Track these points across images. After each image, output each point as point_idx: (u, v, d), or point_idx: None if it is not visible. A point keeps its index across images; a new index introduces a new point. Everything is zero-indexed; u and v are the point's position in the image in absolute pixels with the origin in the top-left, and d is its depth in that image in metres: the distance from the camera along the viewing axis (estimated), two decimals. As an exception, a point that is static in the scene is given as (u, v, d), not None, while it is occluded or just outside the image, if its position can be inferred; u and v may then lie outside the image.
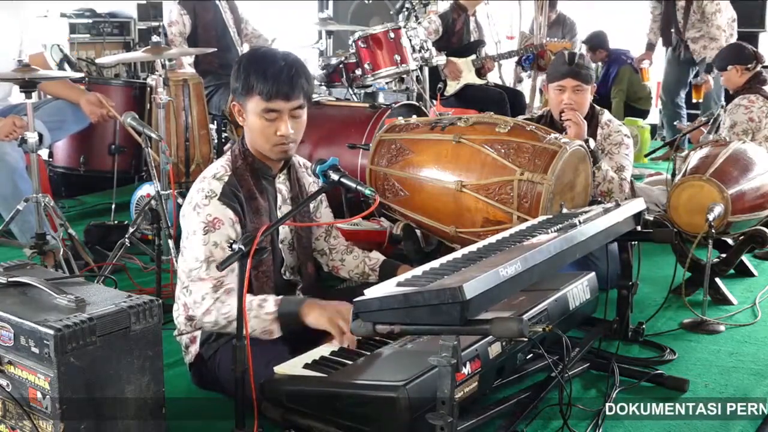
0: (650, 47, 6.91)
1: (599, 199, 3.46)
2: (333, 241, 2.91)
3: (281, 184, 2.66)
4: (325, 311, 2.33)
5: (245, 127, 2.55)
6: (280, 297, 2.40)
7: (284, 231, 2.65)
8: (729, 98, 4.94)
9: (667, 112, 6.89)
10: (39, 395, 1.84)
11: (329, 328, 2.30)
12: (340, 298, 2.47)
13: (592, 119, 3.63)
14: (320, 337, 2.46)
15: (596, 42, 7.47)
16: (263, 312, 2.34)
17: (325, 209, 2.88)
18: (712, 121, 4.38)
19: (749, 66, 4.75)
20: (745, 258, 3.74)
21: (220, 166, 2.55)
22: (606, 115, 3.71)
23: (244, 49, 5.58)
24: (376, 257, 2.87)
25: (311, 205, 2.77)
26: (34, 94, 3.46)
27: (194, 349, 2.52)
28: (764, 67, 4.82)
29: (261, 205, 2.54)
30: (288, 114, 2.47)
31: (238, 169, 2.53)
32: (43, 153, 4.60)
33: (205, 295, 2.37)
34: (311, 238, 2.81)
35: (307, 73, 2.51)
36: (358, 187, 2.40)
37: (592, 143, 3.36)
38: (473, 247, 2.28)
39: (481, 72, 6.06)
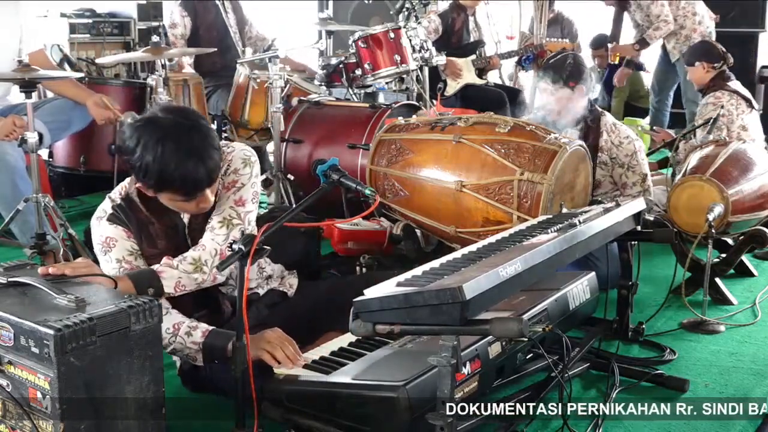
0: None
1: (599, 198, 3.46)
2: None
3: None
4: (253, 342, 2.19)
5: None
6: (212, 328, 2.31)
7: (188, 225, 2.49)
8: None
9: (652, 111, 6.90)
10: (39, 395, 1.84)
11: (260, 356, 2.20)
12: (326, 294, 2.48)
13: (592, 123, 3.61)
14: (318, 337, 2.46)
15: (598, 43, 7.46)
16: (189, 340, 2.28)
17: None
18: (711, 122, 4.39)
19: (715, 65, 4.86)
20: (745, 258, 3.74)
21: (120, 187, 2.47)
22: (608, 118, 3.66)
23: (247, 51, 5.58)
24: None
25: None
26: (35, 94, 3.45)
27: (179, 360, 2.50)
28: (730, 68, 4.90)
29: (159, 229, 2.43)
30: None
31: (131, 194, 2.43)
32: (43, 153, 4.60)
33: None
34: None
35: (209, 165, 2.27)
36: (358, 187, 2.40)
37: None
38: (473, 247, 2.28)
39: (481, 72, 6.06)
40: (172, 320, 2.31)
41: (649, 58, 7.26)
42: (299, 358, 2.24)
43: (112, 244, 2.38)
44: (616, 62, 6.78)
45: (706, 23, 6.24)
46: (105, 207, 2.43)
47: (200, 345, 2.28)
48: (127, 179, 2.49)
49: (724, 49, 4.88)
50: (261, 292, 2.66)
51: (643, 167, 3.61)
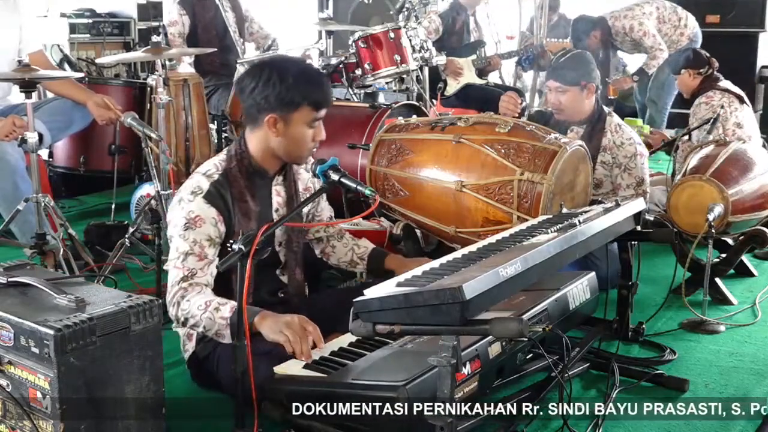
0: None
1: (600, 198, 3.46)
2: (330, 229, 2.90)
3: (279, 186, 2.65)
4: (276, 324, 2.27)
5: (280, 137, 2.49)
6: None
7: (280, 232, 2.64)
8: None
9: (651, 113, 6.88)
10: (39, 395, 1.84)
11: (279, 339, 2.24)
12: (340, 299, 2.46)
13: (597, 123, 3.61)
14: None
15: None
16: (218, 315, 2.31)
17: (325, 202, 2.91)
18: (711, 122, 4.39)
19: (701, 70, 4.88)
20: (745, 258, 3.74)
21: (213, 165, 2.55)
22: (615, 119, 3.64)
23: (247, 48, 5.57)
24: (365, 245, 2.87)
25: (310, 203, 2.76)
26: (35, 94, 3.45)
27: (191, 346, 2.52)
28: (718, 71, 4.92)
29: (251, 209, 2.52)
30: None
31: (231, 170, 2.52)
32: (43, 153, 4.59)
33: (174, 283, 2.39)
34: (301, 241, 2.76)
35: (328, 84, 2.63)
36: (358, 187, 2.40)
37: None
38: (473, 247, 2.28)
39: (482, 72, 6.06)
40: (204, 298, 2.35)
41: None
42: (317, 348, 2.26)
43: (198, 224, 2.42)
44: (616, 96, 6.89)
45: (691, 25, 6.33)
46: (200, 184, 2.46)
47: (228, 320, 2.29)
48: (218, 157, 2.58)
49: (708, 54, 4.92)
50: None
51: (639, 171, 3.58)
